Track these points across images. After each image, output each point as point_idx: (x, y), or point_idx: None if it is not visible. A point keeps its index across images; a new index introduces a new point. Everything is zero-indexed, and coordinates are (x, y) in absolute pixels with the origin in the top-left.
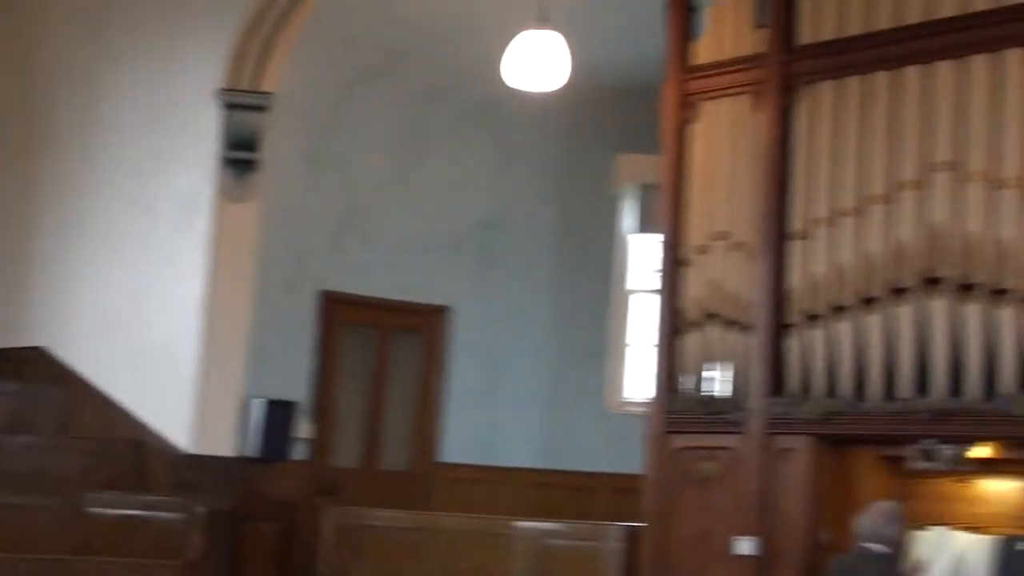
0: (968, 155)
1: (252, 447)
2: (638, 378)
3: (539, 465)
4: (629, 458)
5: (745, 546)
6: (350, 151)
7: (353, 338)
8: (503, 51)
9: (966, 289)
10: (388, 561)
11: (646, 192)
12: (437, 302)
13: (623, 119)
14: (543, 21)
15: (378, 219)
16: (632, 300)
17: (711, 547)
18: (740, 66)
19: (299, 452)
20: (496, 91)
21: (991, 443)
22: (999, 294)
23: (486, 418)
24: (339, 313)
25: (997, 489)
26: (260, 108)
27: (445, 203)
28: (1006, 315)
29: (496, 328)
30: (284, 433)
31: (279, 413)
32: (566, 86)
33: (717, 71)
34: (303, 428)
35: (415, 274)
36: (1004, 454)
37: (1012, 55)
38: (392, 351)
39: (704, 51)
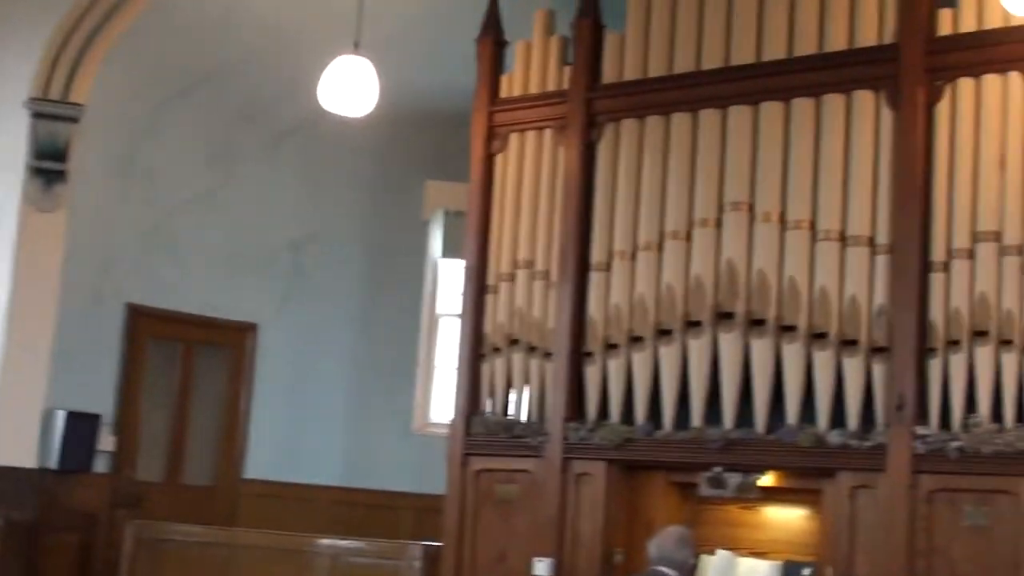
0: (759, 196)
1: (53, 458)
2: (444, 400)
3: (344, 483)
4: (433, 479)
5: (542, 567)
6: (161, 165)
7: (159, 352)
8: (318, 73)
9: (756, 324)
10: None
11: (455, 218)
12: (244, 319)
13: (434, 146)
14: (357, 47)
15: (187, 234)
16: (440, 323)
17: (509, 568)
18: (546, 101)
19: (101, 464)
20: (310, 113)
21: (776, 472)
22: (787, 330)
23: (291, 435)
24: (145, 326)
25: (781, 516)
26: (70, 119)
27: (255, 221)
28: (792, 350)
29: (303, 347)
30: (86, 445)
31: (81, 425)
32: (380, 111)
33: (524, 105)
34: (106, 440)
35: (223, 290)
36: (787, 483)
37: (801, 104)
38: (198, 366)
39: (512, 85)
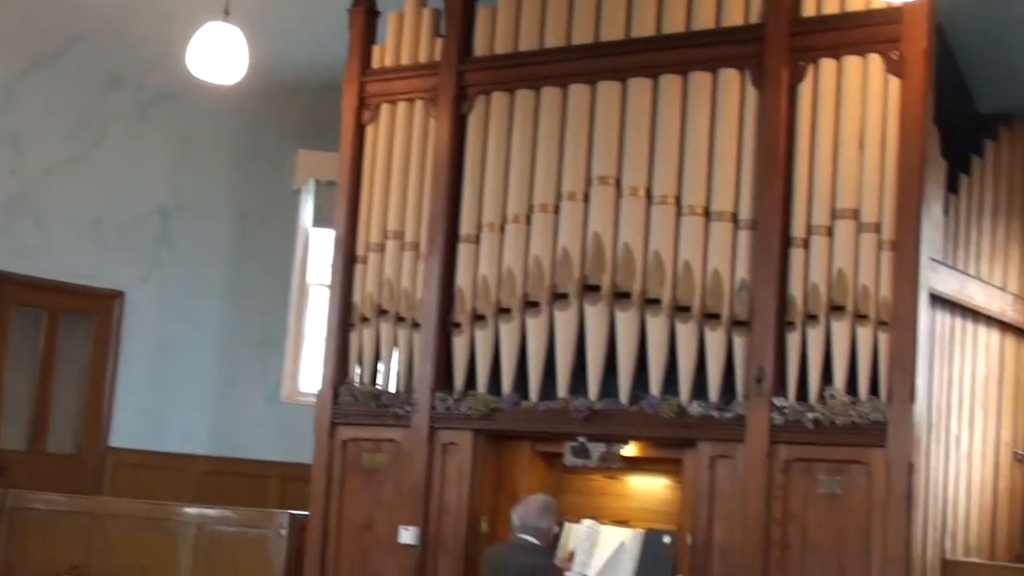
0: (626, 171)
1: None
2: (313, 370)
3: (212, 452)
4: (301, 448)
5: (408, 535)
6: (24, 131)
7: (23, 319)
8: (187, 40)
9: (621, 297)
10: (53, 544)
11: (326, 188)
12: (110, 286)
13: (306, 115)
14: (227, 14)
15: (53, 201)
16: (310, 293)
17: (375, 536)
18: (417, 72)
19: None
20: (180, 80)
21: (638, 442)
22: (651, 303)
23: (159, 404)
24: (9, 293)
25: (643, 485)
26: None
27: (123, 188)
28: (656, 323)
29: (171, 315)
30: None
31: None
32: (251, 79)
33: (395, 76)
34: None
35: (89, 258)
36: (650, 453)
37: (668, 80)
38: (62, 333)
39: (384, 55)
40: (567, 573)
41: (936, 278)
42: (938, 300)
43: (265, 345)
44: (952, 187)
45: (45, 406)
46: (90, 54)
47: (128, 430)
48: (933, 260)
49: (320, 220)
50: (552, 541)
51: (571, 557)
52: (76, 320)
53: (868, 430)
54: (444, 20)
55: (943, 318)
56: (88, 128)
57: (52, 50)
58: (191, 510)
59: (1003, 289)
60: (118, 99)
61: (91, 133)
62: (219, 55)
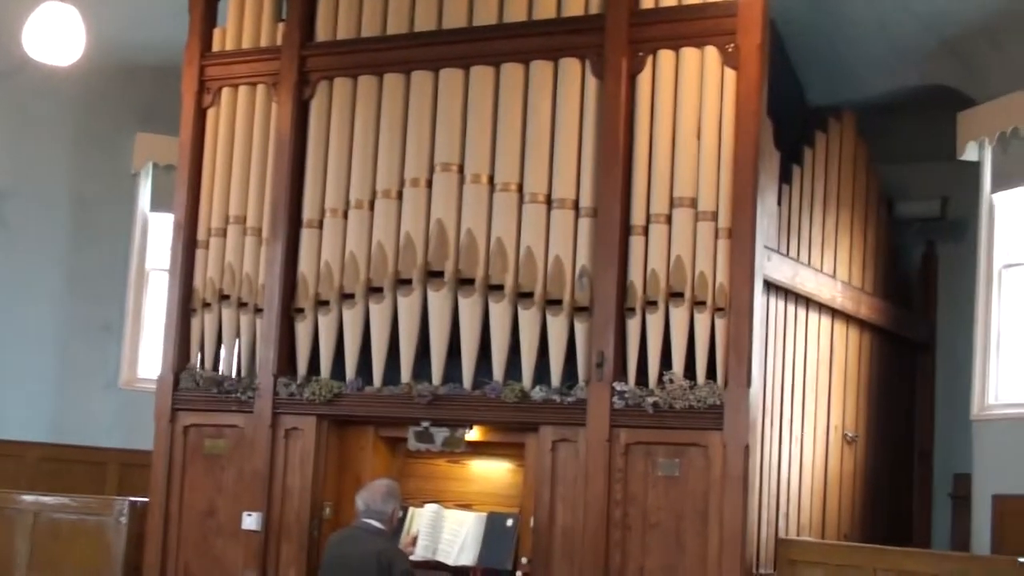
0: (469, 158)
1: None
2: (153, 356)
3: (49, 439)
4: (141, 435)
5: (251, 521)
6: None
7: None
8: (23, 19)
9: (465, 283)
10: None
11: (165, 172)
12: None
13: (145, 98)
14: None
15: None
16: (150, 278)
17: (218, 522)
18: (259, 56)
19: None
20: (14, 59)
21: (482, 427)
22: (494, 289)
23: None
24: None
25: (486, 469)
26: None
27: None
28: (499, 309)
29: (6, 301)
30: None
31: None
32: (89, 61)
33: (236, 59)
34: None
35: None
36: (493, 437)
37: (510, 69)
38: None
39: (226, 39)
40: (411, 557)
41: (770, 266)
42: (772, 287)
43: (103, 331)
44: (785, 177)
45: None
46: None
47: None
48: (767, 248)
49: (159, 205)
50: (397, 525)
51: (415, 541)
52: None
53: (705, 414)
54: (286, 4)
55: (777, 305)
56: None
57: None
58: (28, 497)
59: (833, 277)
60: None
61: None
62: (56, 35)
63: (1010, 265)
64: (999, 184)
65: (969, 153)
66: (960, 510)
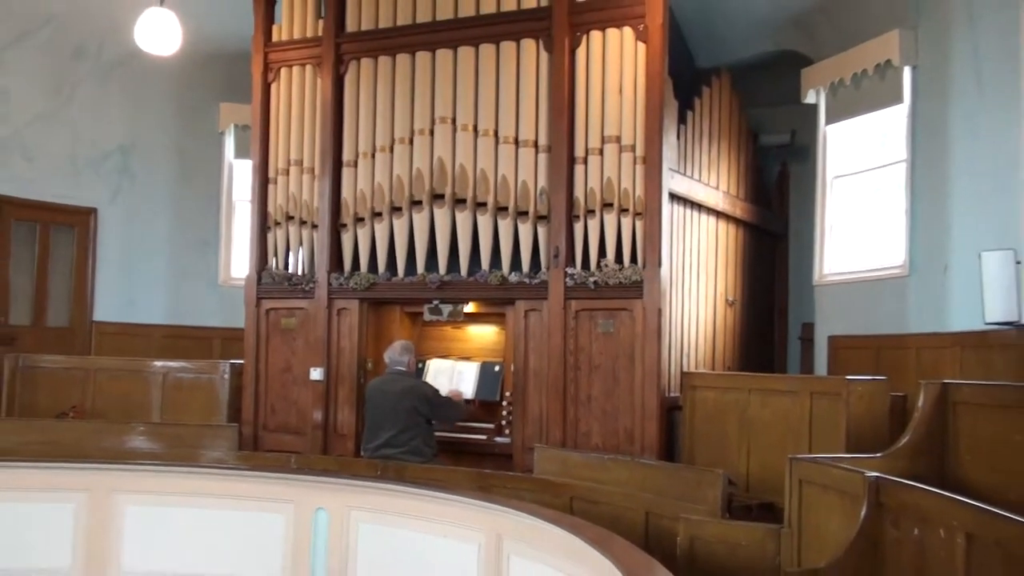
0: (459, 113)
1: None
2: (241, 261)
3: (170, 322)
4: (236, 316)
5: (316, 373)
6: (12, 88)
7: (20, 232)
8: (134, 20)
9: (460, 202)
10: (57, 392)
11: (242, 130)
12: (86, 204)
13: (225, 77)
14: (162, 2)
15: (38, 143)
16: (236, 207)
17: (293, 375)
18: (306, 44)
19: None
20: (129, 51)
21: (475, 302)
22: (480, 206)
23: (128, 289)
24: (7, 212)
25: (479, 332)
26: None
27: (91, 132)
28: (484, 220)
29: (133, 225)
30: None
31: None
32: (184, 50)
33: (289, 47)
34: None
35: (68, 184)
36: (482, 309)
37: (486, 48)
38: (53, 240)
39: (281, 32)
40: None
41: (673, 182)
42: (675, 197)
43: (205, 245)
44: (682, 119)
45: (43, 293)
46: (58, 32)
47: (107, 308)
48: (671, 170)
49: (240, 154)
50: (415, 371)
51: (457, 392)
52: (62, 231)
53: (631, 287)
54: (324, 5)
55: (678, 209)
56: (61, 88)
57: (30, 28)
58: (158, 363)
59: (717, 188)
60: (83, 65)
61: (64, 92)
62: (158, 33)
63: (839, 176)
64: (831, 119)
65: (810, 98)
66: (806, 348)
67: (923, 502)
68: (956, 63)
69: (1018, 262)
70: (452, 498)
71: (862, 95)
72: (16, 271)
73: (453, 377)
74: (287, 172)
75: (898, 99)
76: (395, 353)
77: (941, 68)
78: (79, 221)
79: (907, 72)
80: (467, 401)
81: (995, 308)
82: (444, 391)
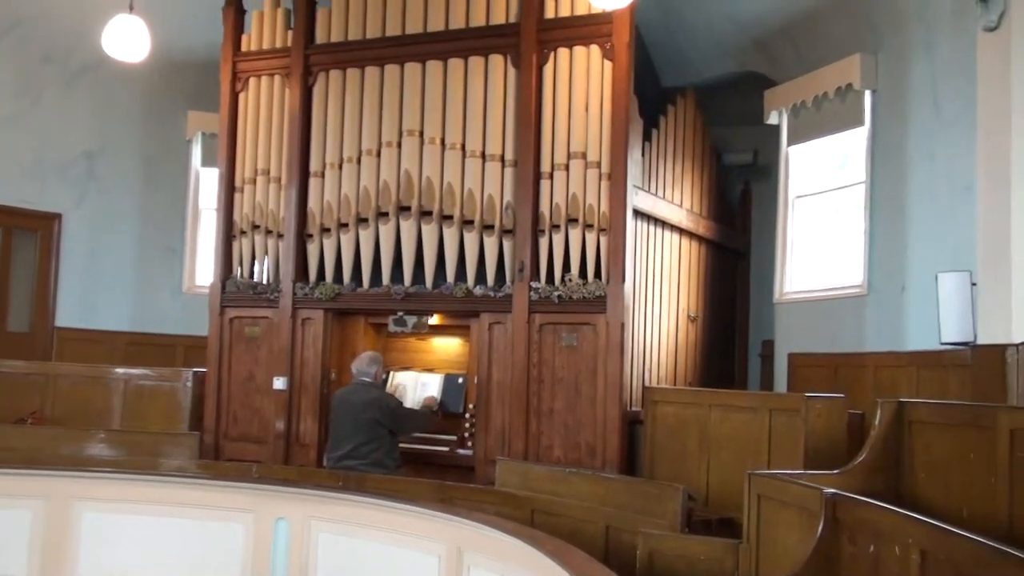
0: (427, 126)
1: None
2: (206, 269)
3: (133, 329)
4: (200, 324)
5: (280, 383)
6: None
7: None
8: (102, 26)
9: (425, 215)
10: (17, 397)
11: (210, 138)
12: (51, 210)
13: (194, 85)
14: (131, 8)
15: (3, 146)
16: (202, 215)
17: (256, 384)
18: (275, 55)
19: None
20: (97, 57)
21: (440, 314)
22: (446, 219)
23: (91, 295)
24: None
25: (443, 344)
26: None
27: (57, 138)
28: (450, 232)
29: (98, 231)
30: None
31: None
32: (152, 57)
33: (258, 57)
34: None
35: (34, 189)
36: (447, 321)
37: (454, 63)
38: (15, 245)
39: (250, 42)
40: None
41: (637, 199)
42: (639, 214)
43: (170, 252)
44: (647, 137)
45: (4, 298)
46: (26, 36)
47: (69, 314)
48: (635, 187)
49: (207, 162)
50: (381, 382)
51: (431, 401)
52: (26, 235)
53: (594, 302)
54: (293, 16)
55: (642, 226)
56: (28, 92)
57: None
58: (119, 370)
59: (680, 206)
60: (50, 70)
61: (30, 96)
62: (127, 39)
63: (800, 196)
64: (792, 140)
65: (772, 119)
66: (766, 365)
67: (879, 519)
68: (915, 87)
69: (973, 284)
70: (413, 509)
71: (823, 117)
72: None
73: (417, 389)
74: (254, 181)
75: (858, 122)
76: (362, 364)
77: (900, 92)
78: (43, 226)
79: (867, 95)
80: (437, 407)
81: (950, 328)
82: (416, 400)
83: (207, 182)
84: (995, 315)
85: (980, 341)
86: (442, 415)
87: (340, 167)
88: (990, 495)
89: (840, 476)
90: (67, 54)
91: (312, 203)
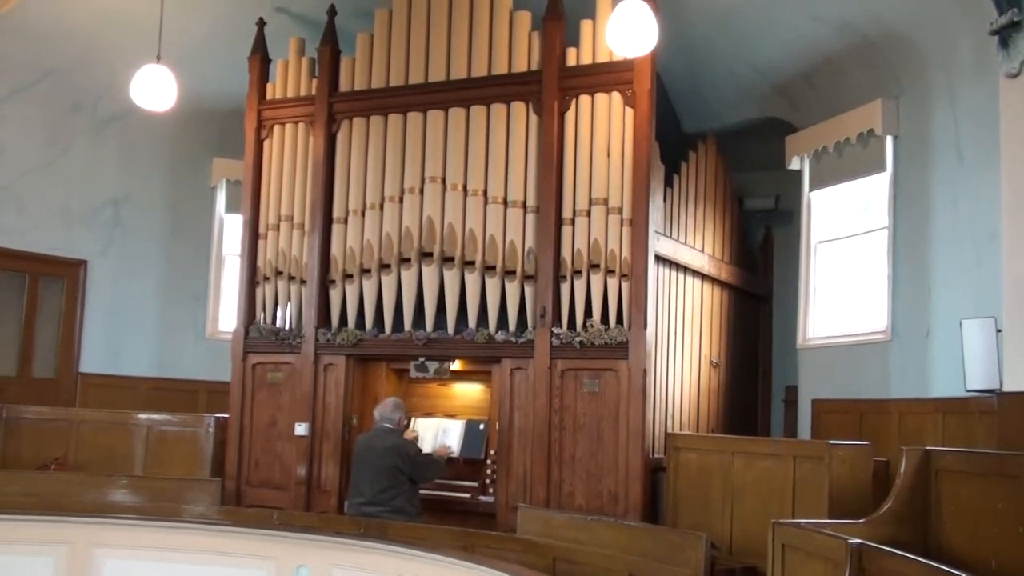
0: (449, 173)
1: None
2: (229, 315)
3: (156, 374)
4: (222, 370)
5: (301, 429)
6: (7, 141)
7: (11, 282)
8: (130, 76)
9: (448, 260)
10: (41, 443)
11: (234, 185)
12: (77, 256)
13: (219, 132)
14: (159, 59)
15: (31, 194)
16: (226, 261)
17: (278, 430)
18: (299, 103)
19: None
20: (125, 106)
21: (461, 360)
22: (468, 264)
23: (115, 341)
24: None
25: (465, 390)
26: None
27: (84, 185)
28: (472, 278)
29: (123, 277)
30: None
31: None
32: (178, 106)
33: (283, 105)
34: None
35: (60, 236)
36: (469, 367)
37: (476, 110)
38: (42, 291)
39: (275, 90)
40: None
41: (659, 244)
42: (660, 259)
43: (193, 298)
44: (668, 183)
45: (30, 344)
46: (57, 85)
47: (94, 359)
48: (657, 232)
49: (231, 208)
50: (403, 429)
51: (417, 438)
52: (51, 282)
53: (616, 348)
54: (318, 64)
55: (664, 271)
56: (57, 140)
57: (28, 81)
58: (142, 416)
59: (702, 251)
60: (79, 119)
61: (60, 144)
62: (154, 89)
63: (823, 241)
64: (814, 185)
65: (794, 164)
66: (790, 411)
67: (905, 570)
68: (937, 133)
69: (999, 330)
70: (435, 557)
71: (845, 162)
72: (3, 322)
73: (438, 435)
74: (277, 227)
75: (880, 167)
76: (387, 410)
77: (922, 138)
78: (69, 272)
79: (889, 141)
80: (452, 458)
81: (976, 375)
82: (430, 447)
83: (231, 228)
84: (1021, 362)
85: (1006, 388)
86: (463, 462)
87: (363, 213)
88: (1019, 545)
89: (866, 525)
90: (96, 103)
91: (335, 249)
